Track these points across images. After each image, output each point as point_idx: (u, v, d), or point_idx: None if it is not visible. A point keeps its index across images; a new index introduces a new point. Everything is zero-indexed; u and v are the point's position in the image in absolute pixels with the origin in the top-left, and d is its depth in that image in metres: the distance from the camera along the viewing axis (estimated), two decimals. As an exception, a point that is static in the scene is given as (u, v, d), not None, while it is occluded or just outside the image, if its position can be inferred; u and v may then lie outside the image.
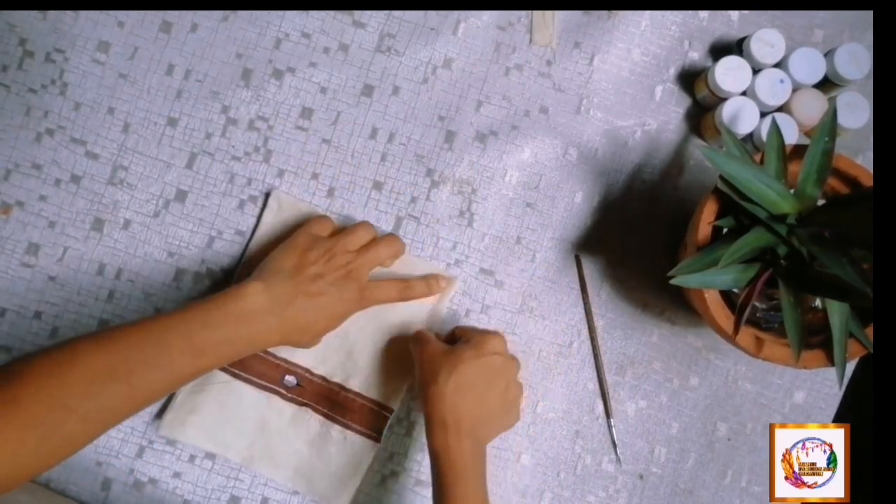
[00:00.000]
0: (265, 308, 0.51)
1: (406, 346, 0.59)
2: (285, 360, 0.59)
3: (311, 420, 0.59)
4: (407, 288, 0.58)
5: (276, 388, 0.59)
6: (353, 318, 0.58)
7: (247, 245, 0.61)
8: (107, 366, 0.45)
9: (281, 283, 0.53)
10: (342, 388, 0.59)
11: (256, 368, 0.59)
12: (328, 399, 0.59)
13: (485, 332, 0.58)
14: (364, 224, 0.59)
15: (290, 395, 0.59)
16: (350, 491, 0.59)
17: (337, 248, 0.56)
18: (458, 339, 0.58)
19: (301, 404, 0.59)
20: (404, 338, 0.60)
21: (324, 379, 0.60)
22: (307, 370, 0.59)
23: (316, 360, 0.60)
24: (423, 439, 0.56)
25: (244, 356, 0.52)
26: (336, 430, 0.59)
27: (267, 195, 0.61)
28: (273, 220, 0.61)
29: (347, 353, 0.60)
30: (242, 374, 0.59)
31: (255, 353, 0.56)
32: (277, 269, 0.54)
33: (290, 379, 0.59)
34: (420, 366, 0.56)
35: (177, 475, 0.59)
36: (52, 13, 0.62)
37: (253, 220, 0.61)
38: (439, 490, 0.52)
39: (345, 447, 0.59)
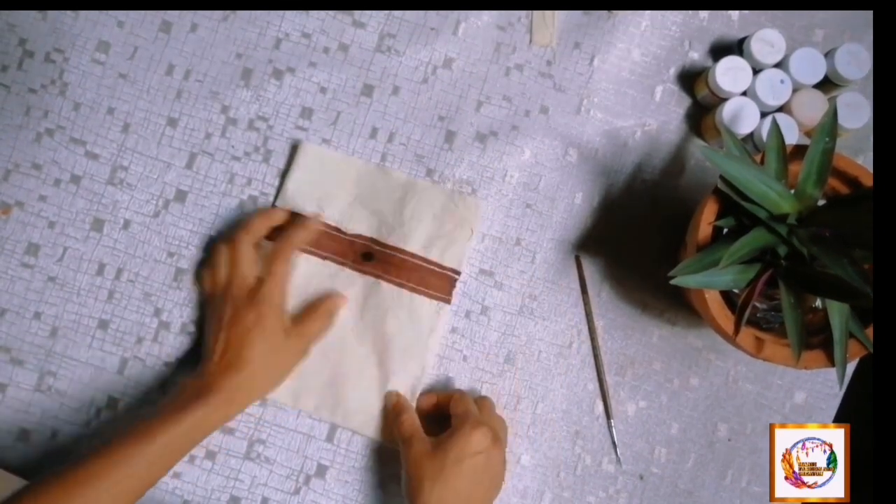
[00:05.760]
0: (206, 397, 0.53)
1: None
2: (358, 236, 0.61)
3: (384, 287, 0.61)
4: (329, 309, 0.59)
5: (349, 261, 0.61)
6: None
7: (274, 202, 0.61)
8: (87, 472, 0.49)
9: (208, 365, 0.55)
10: (412, 255, 0.61)
11: (329, 246, 0.61)
12: (398, 267, 0.61)
13: (473, 425, 0.54)
14: (235, 250, 0.58)
15: (362, 267, 0.61)
16: (432, 352, 0.60)
17: (233, 299, 0.56)
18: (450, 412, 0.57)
19: (376, 276, 0.61)
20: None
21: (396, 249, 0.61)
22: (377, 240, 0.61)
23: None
24: None
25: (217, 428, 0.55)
26: (405, 294, 0.60)
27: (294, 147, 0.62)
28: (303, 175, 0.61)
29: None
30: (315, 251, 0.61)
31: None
32: (204, 354, 0.56)
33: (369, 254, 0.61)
34: (406, 469, 0.54)
35: (176, 475, 0.59)
36: (51, 13, 0.62)
37: (253, 221, 0.61)
38: None
39: (416, 311, 0.60)
